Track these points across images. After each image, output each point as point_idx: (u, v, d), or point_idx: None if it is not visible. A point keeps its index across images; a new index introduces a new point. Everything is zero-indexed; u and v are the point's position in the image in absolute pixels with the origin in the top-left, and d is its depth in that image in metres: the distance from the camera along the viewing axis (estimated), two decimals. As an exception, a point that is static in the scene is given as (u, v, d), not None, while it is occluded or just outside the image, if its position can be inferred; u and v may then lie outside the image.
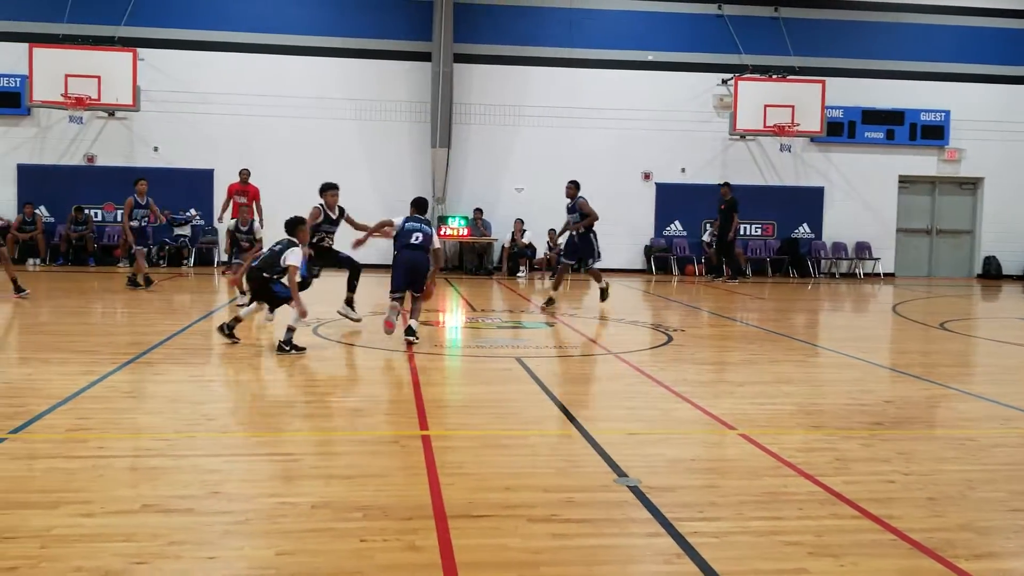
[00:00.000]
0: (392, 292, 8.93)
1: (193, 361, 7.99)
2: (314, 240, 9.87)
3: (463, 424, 5.92)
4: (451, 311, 12.76)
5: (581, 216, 12.25)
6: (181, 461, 4.77)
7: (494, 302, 14.10)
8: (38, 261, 18.26)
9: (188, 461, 4.77)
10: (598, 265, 12.62)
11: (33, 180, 18.86)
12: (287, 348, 7.95)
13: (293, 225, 8.59)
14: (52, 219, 18.85)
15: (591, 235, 12.31)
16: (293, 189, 19.33)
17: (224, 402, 6.33)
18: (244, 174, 15.72)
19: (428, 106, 19.66)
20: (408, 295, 9.00)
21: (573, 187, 12.63)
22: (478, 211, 19.87)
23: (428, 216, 9.98)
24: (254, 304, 8.80)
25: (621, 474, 4.61)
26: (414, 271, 8.86)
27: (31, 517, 3.81)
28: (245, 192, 16.28)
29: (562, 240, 12.99)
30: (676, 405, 6.44)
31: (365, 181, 19.65)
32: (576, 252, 12.54)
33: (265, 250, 8.87)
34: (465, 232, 19.55)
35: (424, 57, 19.74)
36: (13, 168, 18.82)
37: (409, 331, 8.68)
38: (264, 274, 8.37)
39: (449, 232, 19.29)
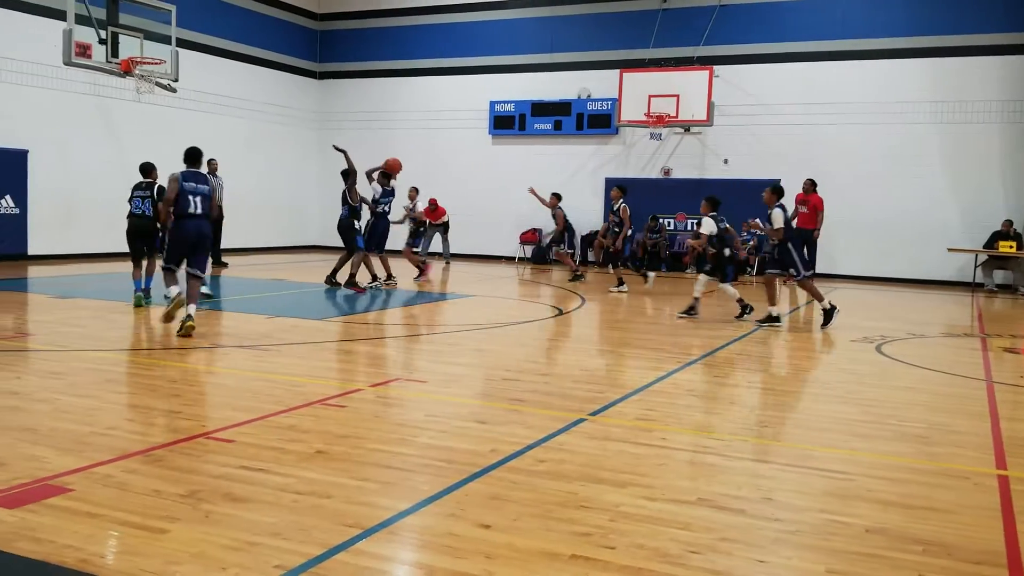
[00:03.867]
0: None
1: (752, 367, 8.17)
2: None
3: (1053, 469, 5.10)
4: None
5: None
6: (735, 462, 4.91)
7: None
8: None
9: (742, 464, 4.89)
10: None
11: (618, 192, 21.05)
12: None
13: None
14: (631, 228, 20.85)
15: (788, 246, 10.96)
16: (859, 196, 18.72)
17: (779, 410, 6.35)
18: (808, 184, 16.09)
19: (1024, 104, 17.40)
20: None
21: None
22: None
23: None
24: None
25: None
26: None
27: (604, 492, 4.26)
28: (806, 201, 16.43)
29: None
30: None
31: (943, 188, 18.15)
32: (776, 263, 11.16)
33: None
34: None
35: (1021, 50, 17.49)
36: (602, 181, 21.27)
37: None
38: None
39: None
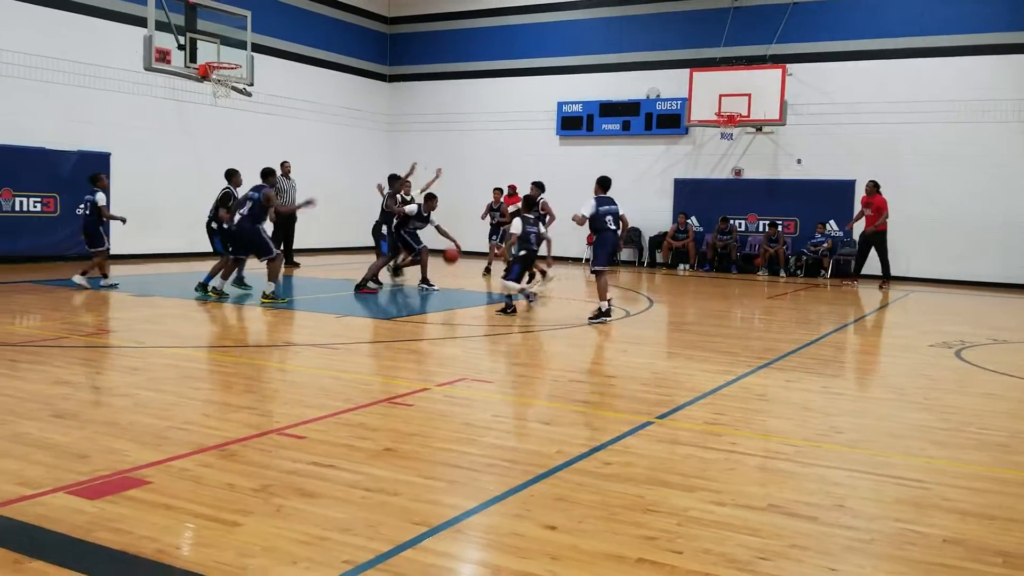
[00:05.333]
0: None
1: (825, 372, 8.00)
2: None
3: None
4: None
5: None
6: (807, 469, 4.81)
7: None
8: (687, 267, 20.10)
9: (814, 470, 4.79)
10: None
11: (686, 192, 20.85)
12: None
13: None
14: (701, 228, 20.60)
15: None
16: (940, 197, 18.17)
17: (853, 416, 6.20)
18: (870, 185, 16.19)
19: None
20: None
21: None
22: None
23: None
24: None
25: None
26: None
27: (671, 496, 4.22)
28: (870, 203, 16.42)
29: None
30: None
31: (1027, 190, 17.52)
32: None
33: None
34: None
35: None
36: (671, 182, 21.06)
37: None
38: None
39: None
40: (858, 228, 17.29)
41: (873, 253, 16.59)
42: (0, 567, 3.20)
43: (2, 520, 3.67)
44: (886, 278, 16.77)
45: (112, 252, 17.24)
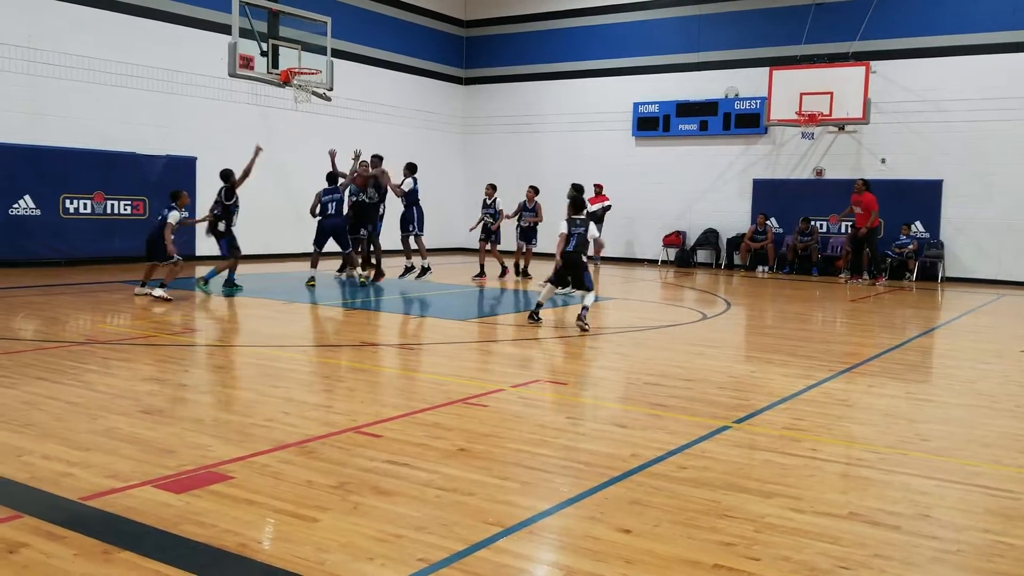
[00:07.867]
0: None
1: (910, 377, 7.76)
2: None
3: None
4: None
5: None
6: (891, 476, 4.67)
7: None
8: (766, 268, 19.72)
9: (898, 478, 4.64)
10: None
11: (766, 193, 20.47)
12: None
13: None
14: (781, 230, 20.18)
15: None
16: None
17: (940, 423, 6.00)
18: (860, 184, 17.00)
19: None
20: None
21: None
22: None
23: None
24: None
25: None
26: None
27: (749, 502, 4.14)
28: (859, 202, 16.94)
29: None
30: None
31: None
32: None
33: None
34: None
35: None
36: (750, 182, 20.68)
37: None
38: None
39: None
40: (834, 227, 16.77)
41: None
42: (90, 557, 3.34)
43: (92, 511, 3.82)
44: (878, 273, 17.46)
45: (197, 254, 17.79)
